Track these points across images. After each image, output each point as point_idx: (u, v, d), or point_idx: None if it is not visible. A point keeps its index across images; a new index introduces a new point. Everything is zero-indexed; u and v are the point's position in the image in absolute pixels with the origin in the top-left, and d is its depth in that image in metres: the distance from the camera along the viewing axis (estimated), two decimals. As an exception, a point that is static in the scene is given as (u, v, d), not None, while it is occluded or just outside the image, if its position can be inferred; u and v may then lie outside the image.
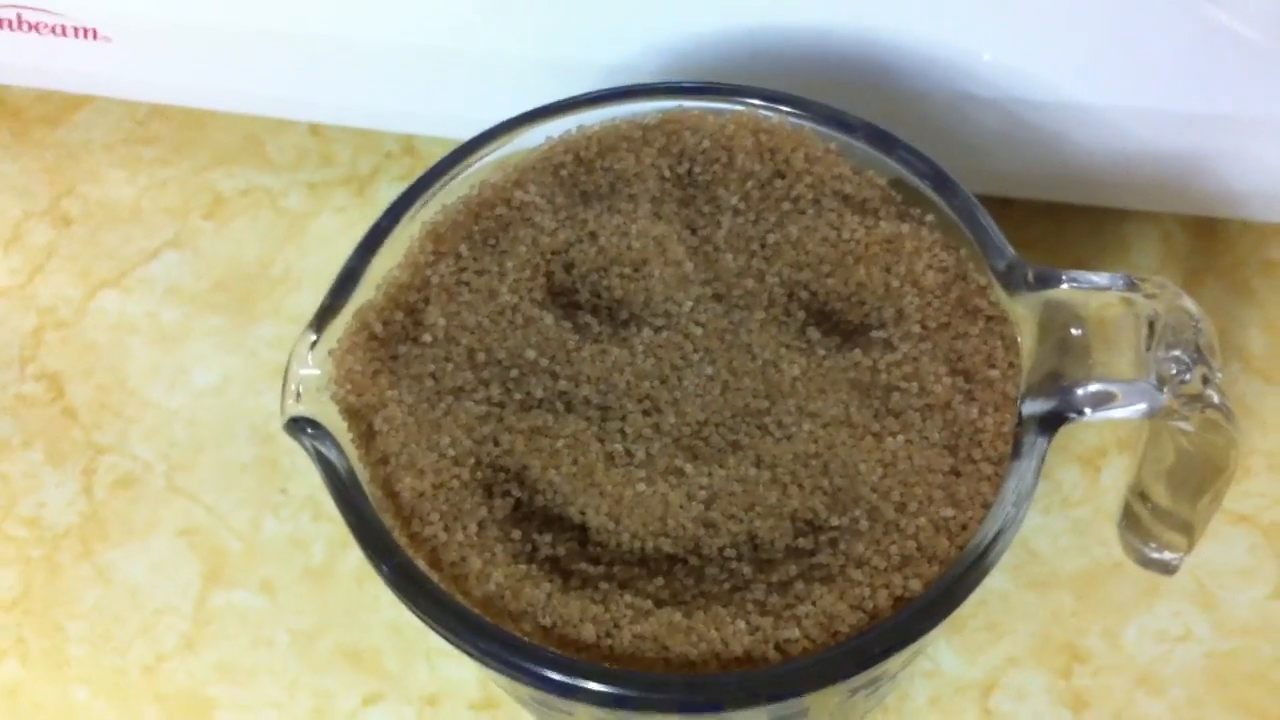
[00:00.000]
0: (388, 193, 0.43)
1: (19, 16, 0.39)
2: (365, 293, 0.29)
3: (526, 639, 0.25)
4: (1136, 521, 0.33)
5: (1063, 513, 0.37)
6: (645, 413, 0.27)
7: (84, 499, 0.38)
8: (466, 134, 0.31)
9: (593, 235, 0.29)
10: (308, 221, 0.42)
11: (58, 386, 0.40)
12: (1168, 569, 0.34)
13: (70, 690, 0.36)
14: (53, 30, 0.39)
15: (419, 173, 0.43)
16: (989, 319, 0.28)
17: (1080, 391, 0.27)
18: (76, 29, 0.39)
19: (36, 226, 0.43)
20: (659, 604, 0.25)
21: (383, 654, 0.36)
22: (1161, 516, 0.32)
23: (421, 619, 0.26)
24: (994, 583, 0.36)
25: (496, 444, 0.27)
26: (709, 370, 0.28)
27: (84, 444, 0.39)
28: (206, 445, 0.39)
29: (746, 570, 0.26)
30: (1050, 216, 0.41)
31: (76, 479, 0.38)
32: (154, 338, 0.41)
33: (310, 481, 0.38)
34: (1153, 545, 0.33)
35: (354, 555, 0.37)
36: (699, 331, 0.28)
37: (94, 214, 0.43)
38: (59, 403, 0.40)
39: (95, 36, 0.39)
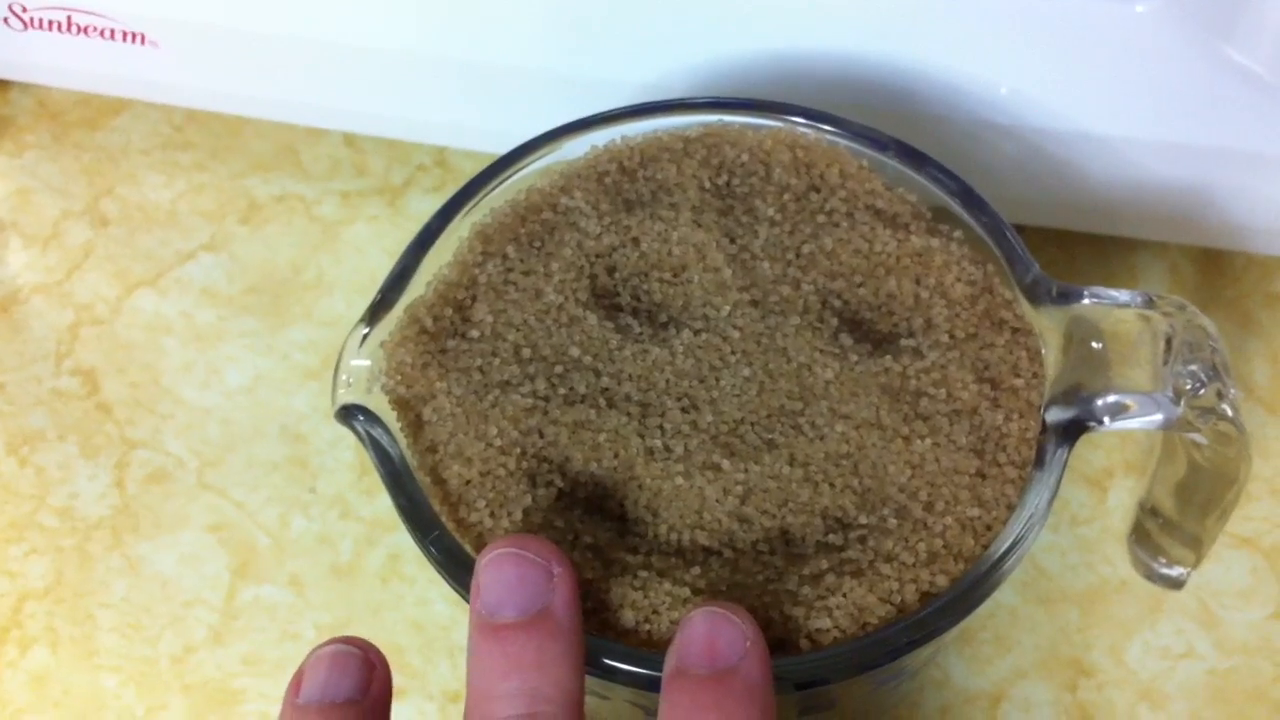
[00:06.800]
0: (419, 204, 0.44)
1: (69, 19, 0.40)
2: (416, 289, 0.30)
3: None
4: (1146, 536, 0.34)
5: (1070, 531, 0.38)
6: (684, 410, 0.28)
7: (116, 492, 0.39)
8: (499, 147, 0.32)
9: (635, 241, 0.30)
10: (340, 229, 0.43)
11: (93, 382, 0.41)
12: (1175, 584, 0.35)
13: (99, 678, 0.36)
14: (101, 34, 0.40)
15: (450, 185, 0.44)
16: (1014, 330, 0.29)
17: (1100, 402, 0.28)
18: (125, 33, 0.39)
19: (75, 226, 0.44)
20: (696, 592, 0.26)
21: (406, 651, 0.36)
22: (1170, 531, 0.33)
23: (466, 598, 0.26)
24: (1003, 597, 0.37)
25: (541, 436, 0.28)
26: (746, 372, 0.29)
27: (117, 439, 0.40)
28: (237, 443, 0.40)
29: (779, 563, 0.27)
30: (1061, 244, 0.42)
31: (109, 472, 0.39)
32: (188, 337, 0.41)
33: (338, 480, 0.39)
34: (1161, 560, 0.34)
35: (380, 554, 0.38)
36: (736, 335, 0.29)
37: (131, 215, 0.44)
38: (94, 398, 0.40)
39: (143, 42, 0.40)
